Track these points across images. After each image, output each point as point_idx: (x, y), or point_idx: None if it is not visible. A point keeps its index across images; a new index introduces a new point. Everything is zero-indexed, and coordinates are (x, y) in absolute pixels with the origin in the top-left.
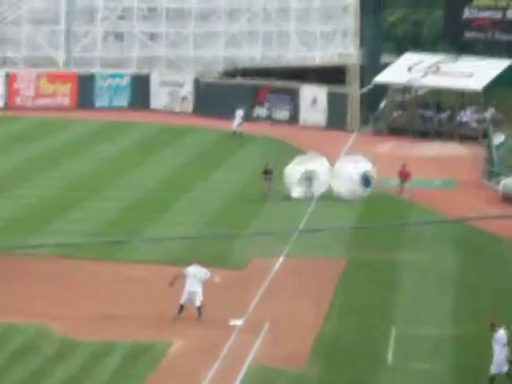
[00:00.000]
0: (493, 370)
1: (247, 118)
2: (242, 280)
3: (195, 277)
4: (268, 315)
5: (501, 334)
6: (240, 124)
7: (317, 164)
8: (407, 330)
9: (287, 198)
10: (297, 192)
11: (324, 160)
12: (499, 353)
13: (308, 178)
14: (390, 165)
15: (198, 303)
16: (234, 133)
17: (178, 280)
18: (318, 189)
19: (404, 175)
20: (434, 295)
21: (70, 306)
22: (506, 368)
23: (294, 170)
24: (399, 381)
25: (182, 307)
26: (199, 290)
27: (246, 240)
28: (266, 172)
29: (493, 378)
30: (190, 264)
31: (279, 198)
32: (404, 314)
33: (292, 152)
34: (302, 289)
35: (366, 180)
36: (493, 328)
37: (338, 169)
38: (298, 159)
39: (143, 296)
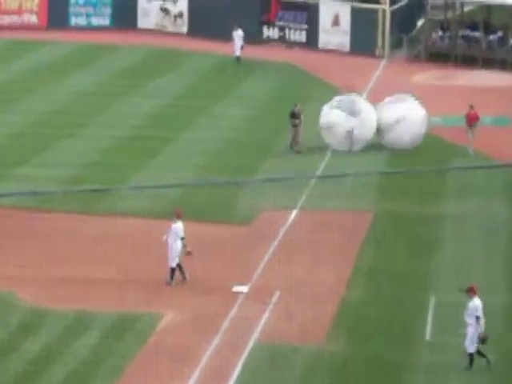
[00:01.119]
0: (469, 348)
1: (256, 40)
2: (249, 238)
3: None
4: (279, 281)
5: (474, 303)
6: (241, 47)
7: (361, 108)
8: (449, 298)
9: (320, 147)
10: (334, 143)
11: (369, 106)
12: (474, 326)
13: (349, 128)
14: (428, 99)
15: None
16: (238, 58)
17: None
18: (360, 141)
19: (472, 119)
20: (481, 256)
21: (40, 269)
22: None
23: (333, 115)
24: (439, 360)
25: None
26: None
27: (253, 189)
28: (294, 115)
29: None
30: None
31: (309, 148)
32: (445, 279)
33: (310, 83)
34: (320, 249)
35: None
36: (469, 294)
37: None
38: (336, 101)
39: (128, 257)
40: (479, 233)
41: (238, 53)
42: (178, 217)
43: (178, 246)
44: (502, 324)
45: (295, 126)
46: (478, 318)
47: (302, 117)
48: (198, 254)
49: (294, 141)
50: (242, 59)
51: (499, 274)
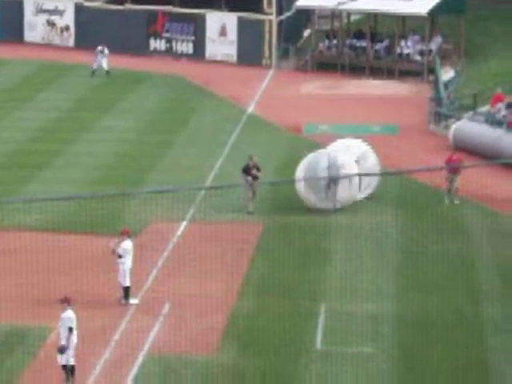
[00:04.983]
0: (62, 360)
1: (143, 52)
2: (138, 249)
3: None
4: (169, 293)
5: (67, 314)
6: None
7: (348, 158)
8: (339, 307)
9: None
10: (315, 198)
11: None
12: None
13: (332, 179)
14: (316, 109)
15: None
16: (105, 72)
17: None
18: (346, 193)
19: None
20: (371, 264)
21: None
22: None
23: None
24: (330, 368)
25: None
26: None
27: (142, 201)
28: (248, 170)
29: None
30: (122, 237)
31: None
32: (335, 289)
33: (198, 94)
34: (210, 260)
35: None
36: (64, 304)
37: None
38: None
39: (17, 271)
40: (367, 241)
41: (103, 66)
42: (123, 237)
43: (128, 263)
44: (392, 331)
45: (250, 182)
46: (71, 329)
47: (260, 173)
48: (86, 267)
49: (252, 200)
50: (106, 72)
51: (388, 282)
